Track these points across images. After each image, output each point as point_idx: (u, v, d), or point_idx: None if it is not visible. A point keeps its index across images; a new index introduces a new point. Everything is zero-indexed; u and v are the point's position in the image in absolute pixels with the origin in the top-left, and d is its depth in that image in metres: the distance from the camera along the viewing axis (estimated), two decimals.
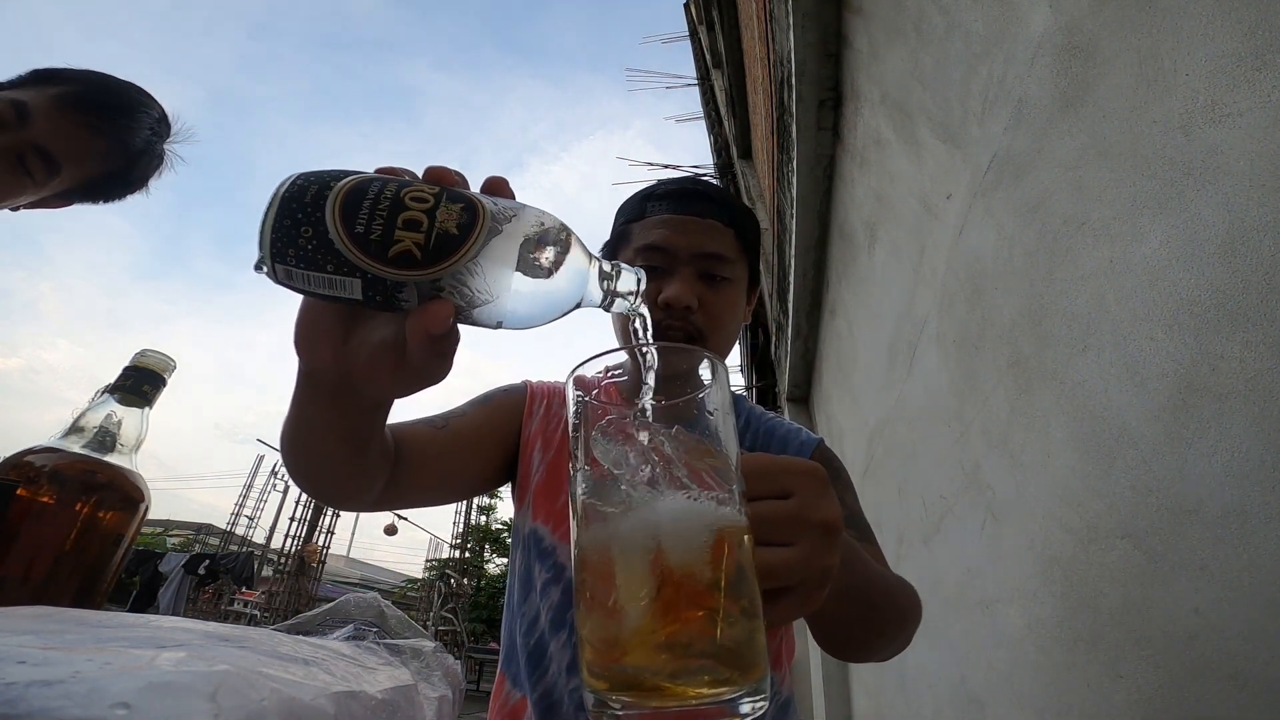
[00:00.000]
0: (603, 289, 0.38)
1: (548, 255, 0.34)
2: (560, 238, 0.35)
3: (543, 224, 0.35)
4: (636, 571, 0.31)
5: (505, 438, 0.75)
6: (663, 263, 0.69)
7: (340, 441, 0.46)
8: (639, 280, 0.39)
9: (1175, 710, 0.62)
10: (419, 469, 0.62)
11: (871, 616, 0.52)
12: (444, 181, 0.34)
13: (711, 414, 0.34)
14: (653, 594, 0.30)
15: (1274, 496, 0.51)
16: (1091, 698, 0.76)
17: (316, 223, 0.30)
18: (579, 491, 0.34)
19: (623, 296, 0.38)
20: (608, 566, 0.32)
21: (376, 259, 0.31)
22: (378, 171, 0.35)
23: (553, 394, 0.79)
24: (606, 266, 0.38)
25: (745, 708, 0.29)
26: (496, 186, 0.37)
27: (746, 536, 0.32)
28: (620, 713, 0.29)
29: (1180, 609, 0.61)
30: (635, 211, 0.75)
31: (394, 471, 0.58)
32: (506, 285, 0.33)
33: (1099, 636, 0.75)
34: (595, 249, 0.82)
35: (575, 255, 0.36)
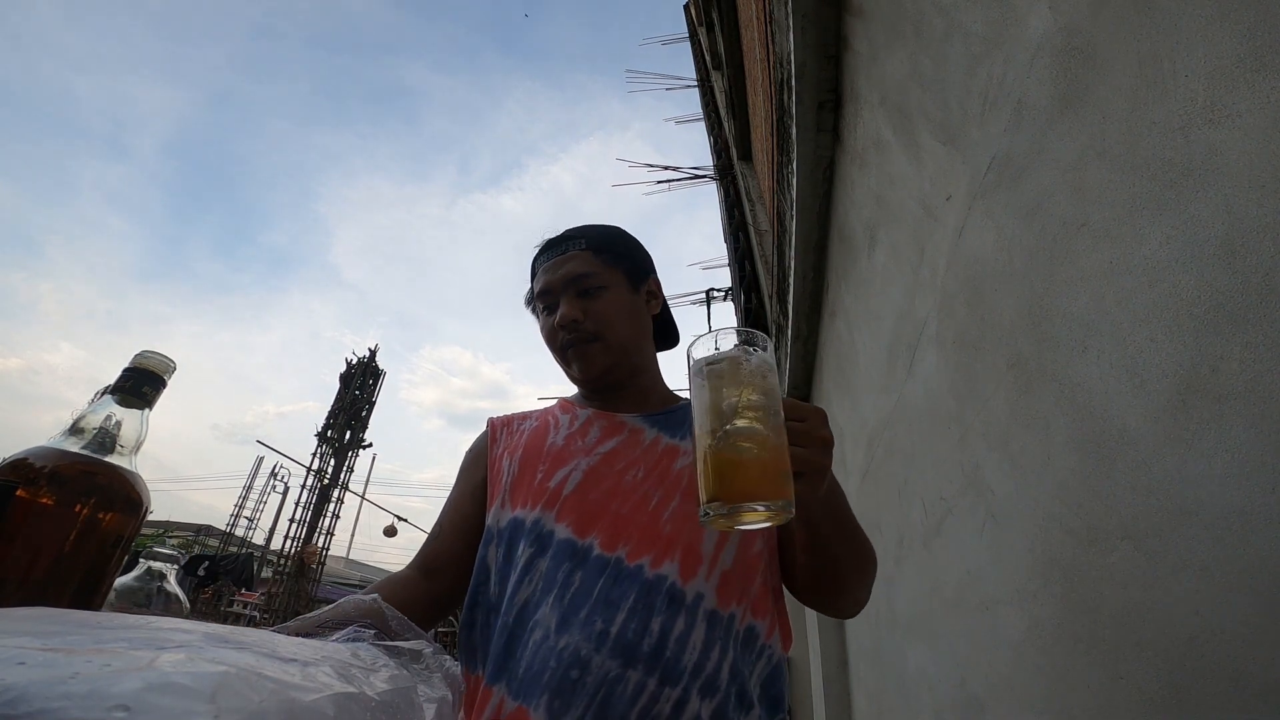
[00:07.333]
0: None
1: None
2: None
3: None
4: (734, 433, 0.52)
5: (480, 486, 0.87)
6: (550, 301, 0.88)
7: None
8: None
9: (1175, 712, 0.62)
10: (454, 578, 0.81)
11: (849, 543, 0.71)
12: None
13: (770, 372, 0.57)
14: (741, 443, 0.51)
15: (1274, 497, 0.51)
16: (1092, 699, 0.76)
17: None
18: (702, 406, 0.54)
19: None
20: (715, 434, 0.52)
21: None
22: None
23: (511, 419, 0.94)
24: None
25: (792, 511, 0.50)
26: None
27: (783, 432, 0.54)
28: (720, 511, 0.49)
29: (1181, 610, 0.61)
30: (531, 273, 0.95)
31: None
32: None
33: (1099, 638, 0.75)
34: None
35: None
